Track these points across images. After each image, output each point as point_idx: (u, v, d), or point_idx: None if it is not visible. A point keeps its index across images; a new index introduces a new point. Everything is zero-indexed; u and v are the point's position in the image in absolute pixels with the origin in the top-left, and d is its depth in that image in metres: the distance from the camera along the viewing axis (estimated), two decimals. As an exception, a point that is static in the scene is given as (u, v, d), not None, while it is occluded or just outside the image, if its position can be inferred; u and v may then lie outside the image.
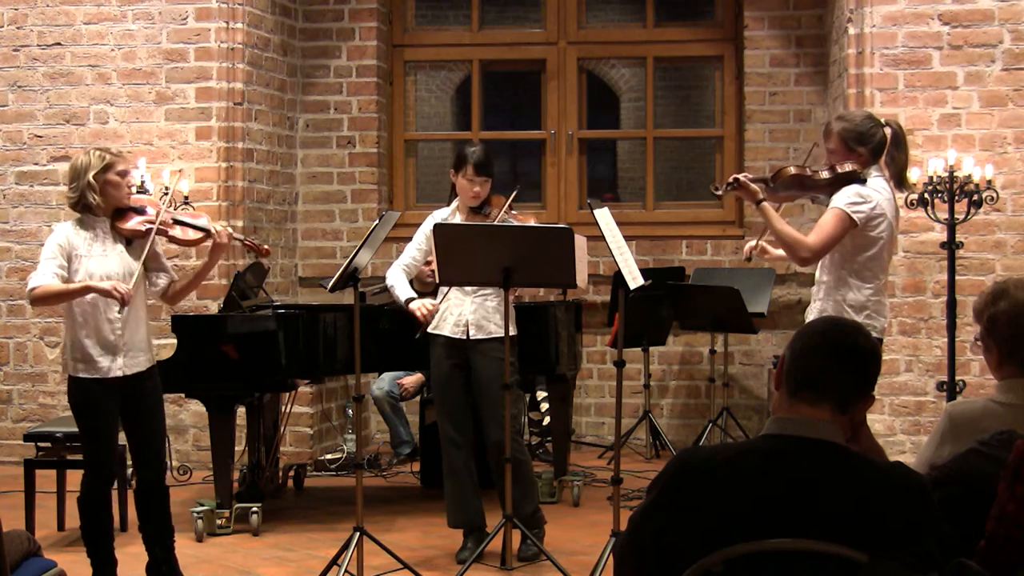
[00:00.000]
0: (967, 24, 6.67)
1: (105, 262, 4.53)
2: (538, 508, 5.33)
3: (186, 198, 6.73)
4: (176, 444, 7.02)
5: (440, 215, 5.33)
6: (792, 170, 4.60)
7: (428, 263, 6.88)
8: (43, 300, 4.55)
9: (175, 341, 5.73)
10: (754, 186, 4.57)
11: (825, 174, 4.53)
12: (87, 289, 4.45)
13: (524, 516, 5.19)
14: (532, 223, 5.24)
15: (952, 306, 6.23)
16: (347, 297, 5.00)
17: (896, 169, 4.56)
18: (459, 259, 4.89)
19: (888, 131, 4.57)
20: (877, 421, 6.57)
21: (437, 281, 5.16)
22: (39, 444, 5.70)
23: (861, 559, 2.14)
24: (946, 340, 6.34)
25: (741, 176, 4.61)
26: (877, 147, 4.54)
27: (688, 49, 8.16)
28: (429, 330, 5.29)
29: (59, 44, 7.26)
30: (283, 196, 7.78)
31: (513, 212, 5.30)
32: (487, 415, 5.20)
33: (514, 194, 5.31)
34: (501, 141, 8.61)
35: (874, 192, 4.44)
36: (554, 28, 8.12)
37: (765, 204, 4.54)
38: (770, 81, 7.75)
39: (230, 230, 4.89)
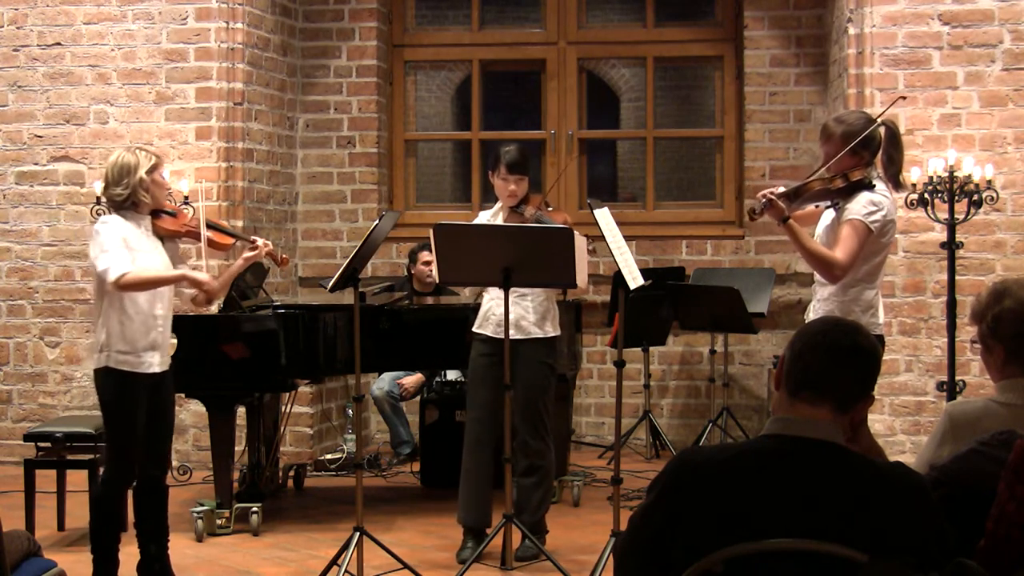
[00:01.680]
0: (967, 24, 6.67)
1: (154, 259, 4.60)
2: (544, 518, 5.35)
3: (186, 198, 6.73)
4: (176, 444, 7.00)
5: (484, 216, 5.36)
6: (817, 185, 4.57)
7: (428, 263, 6.92)
8: (132, 287, 4.49)
9: (175, 341, 5.72)
10: (781, 204, 4.53)
11: (840, 183, 4.51)
12: (182, 278, 4.56)
13: (534, 522, 5.20)
14: (563, 220, 5.21)
15: (952, 306, 6.23)
16: (347, 297, 5.00)
17: (894, 169, 4.56)
18: (459, 259, 4.89)
19: (883, 131, 4.57)
20: (877, 421, 6.57)
21: (437, 281, 5.17)
22: (39, 444, 5.69)
23: (861, 559, 2.15)
24: (946, 340, 6.34)
25: (771, 194, 4.54)
26: (876, 148, 4.54)
27: (688, 49, 8.16)
28: (473, 329, 5.31)
29: (59, 44, 7.26)
30: (283, 196, 7.79)
31: (550, 209, 5.30)
32: (519, 415, 5.19)
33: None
34: (501, 141, 8.59)
35: (883, 198, 4.46)
36: (554, 28, 8.12)
37: (792, 222, 4.50)
38: (770, 81, 7.75)
39: (269, 244, 4.93)
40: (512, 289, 5.14)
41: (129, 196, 4.54)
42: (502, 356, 5.18)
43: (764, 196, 4.54)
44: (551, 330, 5.27)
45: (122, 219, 4.57)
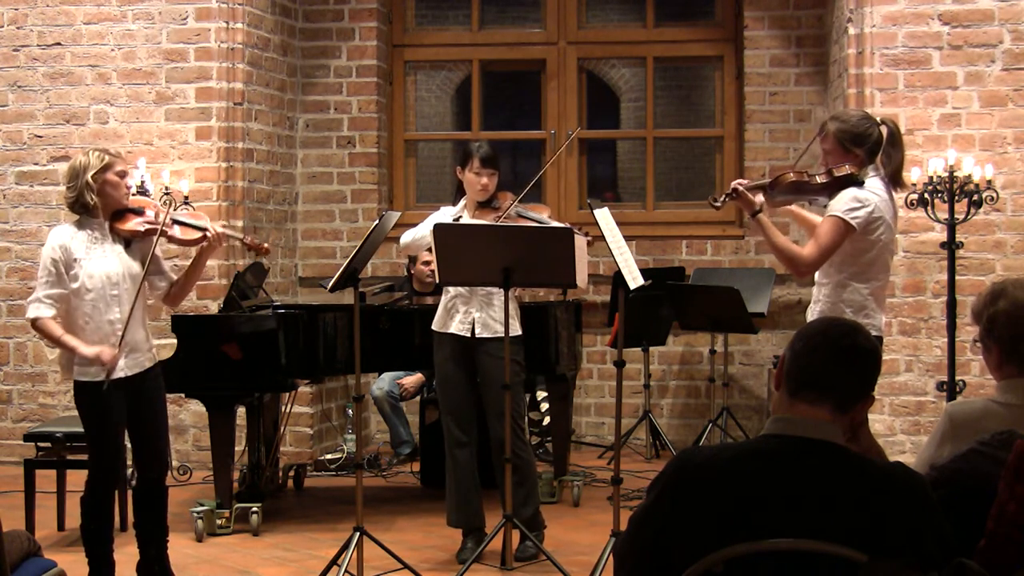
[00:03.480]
0: (967, 24, 6.67)
1: (105, 263, 4.52)
2: (539, 511, 5.33)
3: (186, 198, 6.73)
4: (176, 444, 7.01)
5: (449, 212, 5.33)
6: (791, 176, 4.57)
7: (427, 263, 6.92)
8: (40, 332, 4.58)
9: (175, 341, 5.73)
10: (751, 196, 4.54)
11: (822, 178, 4.49)
12: (74, 351, 4.45)
13: (525, 518, 5.19)
14: (546, 215, 5.23)
15: (952, 306, 6.23)
16: (347, 297, 5.00)
17: (892, 168, 4.52)
18: (459, 259, 4.89)
19: (884, 130, 4.54)
20: (877, 421, 6.57)
21: (437, 281, 5.16)
22: (39, 444, 5.70)
23: (861, 559, 2.15)
24: (946, 340, 6.34)
25: (740, 186, 4.57)
26: (873, 147, 4.49)
27: (688, 49, 8.17)
28: (435, 328, 5.29)
29: (59, 44, 7.26)
30: (283, 196, 7.79)
31: (529, 205, 5.30)
32: (492, 415, 5.20)
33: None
34: (501, 141, 8.62)
35: (871, 195, 4.41)
36: (554, 28, 8.12)
37: (762, 216, 4.51)
38: (770, 81, 7.75)
39: (226, 230, 4.89)
40: (478, 288, 5.15)
41: (77, 199, 4.51)
42: (469, 355, 5.18)
43: (732, 188, 4.56)
44: (517, 328, 5.26)
45: (73, 228, 4.55)
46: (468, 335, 5.19)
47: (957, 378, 6.30)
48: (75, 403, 4.61)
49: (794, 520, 2.22)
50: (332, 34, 7.96)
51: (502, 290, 5.11)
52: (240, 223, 7.05)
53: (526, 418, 5.40)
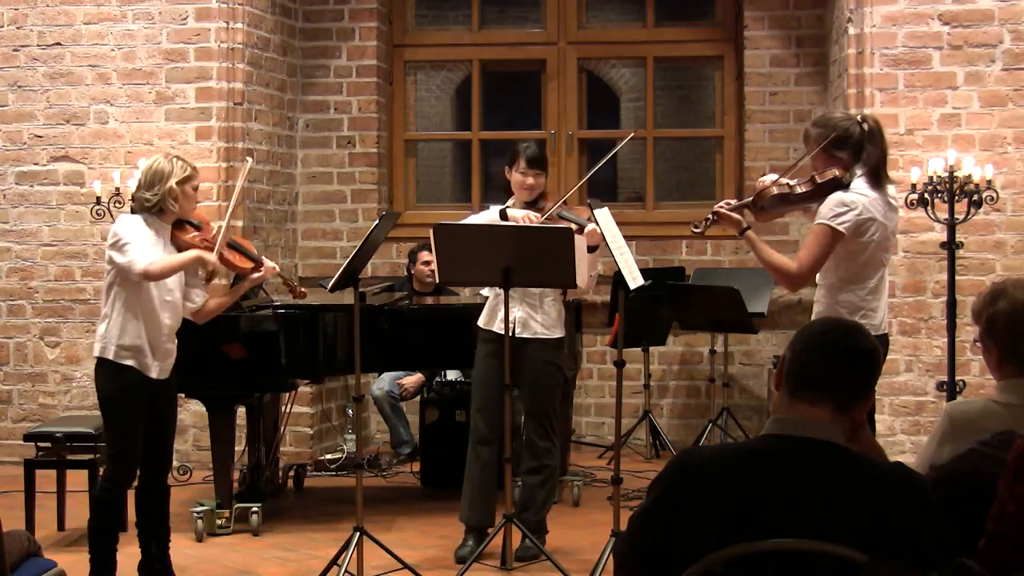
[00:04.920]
0: (967, 24, 6.66)
1: None
2: (545, 519, 5.36)
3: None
4: (176, 444, 6.93)
5: (496, 210, 5.33)
6: (773, 190, 4.52)
7: (427, 263, 6.92)
8: (158, 275, 4.57)
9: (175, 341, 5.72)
10: (735, 215, 4.50)
11: (804, 187, 4.45)
12: (197, 258, 4.63)
13: (536, 521, 5.20)
14: (586, 217, 5.22)
15: (952, 306, 6.22)
16: (347, 297, 5.00)
17: (870, 165, 4.41)
18: (459, 259, 4.89)
19: (865, 127, 4.45)
20: (877, 421, 6.56)
21: (437, 281, 5.17)
22: (39, 444, 5.69)
23: (861, 559, 2.15)
24: (946, 340, 6.33)
25: (721, 208, 4.52)
26: (856, 146, 4.42)
27: (688, 49, 8.16)
28: (480, 324, 5.30)
29: (59, 44, 7.26)
30: (283, 196, 7.78)
31: (575, 208, 5.30)
32: (529, 416, 5.21)
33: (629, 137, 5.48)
34: (501, 141, 8.62)
35: (858, 196, 4.34)
36: (554, 28, 8.12)
37: (749, 232, 4.48)
38: (770, 81, 7.75)
39: (276, 267, 5.00)
40: (523, 289, 5.15)
41: (158, 203, 4.61)
42: (510, 354, 5.18)
43: (713, 212, 4.53)
44: (558, 331, 5.27)
45: (143, 222, 4.62)
46: (510, 334, 5.19)
47: (957, 378, 6.30)
48: (99, 387, 4.62)
49: (794, 520, 2.22)
50: (332, 34, 7.96)
51: (554, 291, 5.16)
52: (240, 223, 7.04)
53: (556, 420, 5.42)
